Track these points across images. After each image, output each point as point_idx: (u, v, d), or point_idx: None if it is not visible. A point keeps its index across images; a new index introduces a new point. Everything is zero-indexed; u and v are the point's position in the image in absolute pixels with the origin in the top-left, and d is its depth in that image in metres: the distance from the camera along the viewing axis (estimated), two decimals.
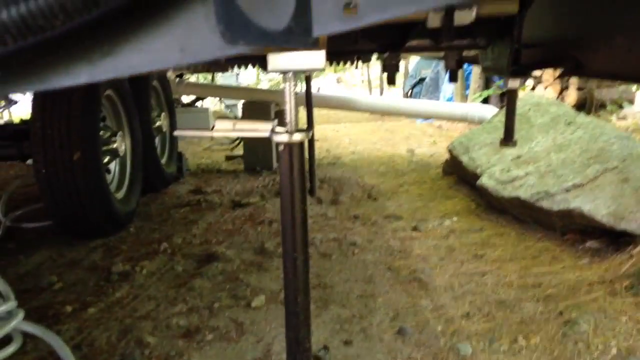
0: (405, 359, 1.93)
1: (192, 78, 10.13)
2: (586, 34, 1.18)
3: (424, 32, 1.72)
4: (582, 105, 7.79)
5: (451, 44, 1.73)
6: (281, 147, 0.83)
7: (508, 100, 1.84)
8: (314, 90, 4.88)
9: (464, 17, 1.43)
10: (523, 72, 1.45)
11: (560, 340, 2.03)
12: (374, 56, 3.21)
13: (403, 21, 1.76)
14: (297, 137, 0.82)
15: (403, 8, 0.50)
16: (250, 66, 4.04)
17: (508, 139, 2.01)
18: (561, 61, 1.30)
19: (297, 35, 0.53)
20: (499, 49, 1.52)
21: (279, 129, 0.84)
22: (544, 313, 2.25)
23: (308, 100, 4.07)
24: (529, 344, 2.02)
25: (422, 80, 11.67)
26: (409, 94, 12.25)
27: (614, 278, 2.51)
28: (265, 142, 5.19)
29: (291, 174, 0.82)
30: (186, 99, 8.51)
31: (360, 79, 18.19)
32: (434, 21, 1.49)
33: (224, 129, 0.91)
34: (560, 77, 1.43)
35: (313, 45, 0.55)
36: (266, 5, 0.55)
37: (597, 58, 1.15)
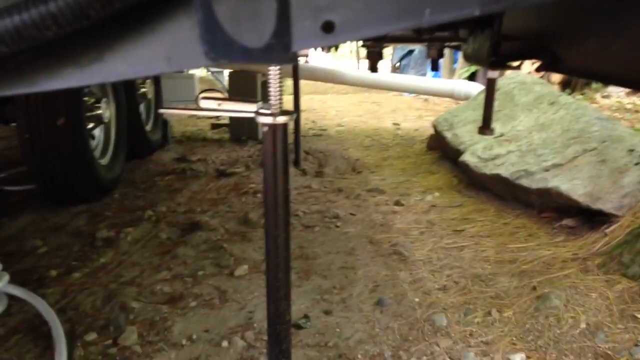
0: (383, 328, 2.00)
1: None
2: (563, 31, 1.21)
3: None
4: (567, 83, 7.85)
5: (433, 36, 1.74)
6: (265, 128, 0.86)
7: (487, 89, 1.87)
8: (301, 61, 4.86)
9: None
10: (502, 64, 1.48)
11: (532, 314, 2.11)
12: None
13: None
14: (282, 119, 0.85)
15: (376, 29, 0.53)
16: None
17: (485, 127, 2.04)
18: (539, 54, 1.32)
19: (277, 52, 0.56)
20: (480, 41, 1.54)
21: (263, 110, 0.87)
22: (518, 288, 2.33)
23: (295, 74, 4.07)
24: (502, 316, 2.10)
25: (410, 52, 11.64)
26: (397, 66, 12.22)
27: (587, 256, 2.60)
28: None
29: (274, 155, 0.84)
30: None
31: (348, 49, 18.04)
32: None
33: (209, 108, 0.93)
34: (538, 70, 1.45)
35: (292, 59, 0.58)
36: (248, 24, 0.57)
37: (572, 55, 1.18)
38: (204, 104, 0.93)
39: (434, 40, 1.85)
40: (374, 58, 1.92)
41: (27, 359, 1.75)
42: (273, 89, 0.86)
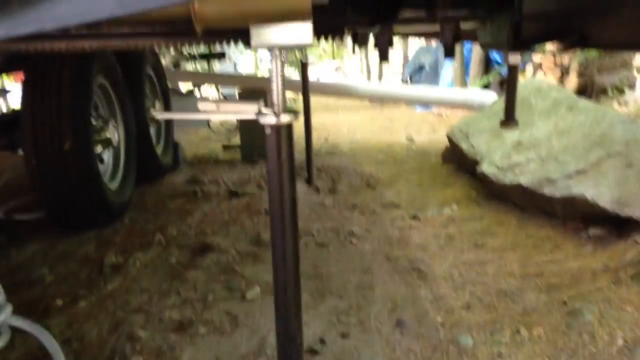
0: (405, 351, 1.87)
1: (189, 67, 10.03)
2: (592, 6, 1.12)
3: (417, 0, 1.61)
4: (582, 91, 7.71)
5: (447, 15, 1.63)
6: (268, 130, 0.76)
7: (509, 77, 1.76)
8: (313, 79, 4.79)
9: None
10: (524, 46, 1.37)
11: (564, 331, 1.98)
12: (371, 41, 3.13)
13: None
14: (285, 118, 0.75)
15: None
16: (247, 51, 3.96)
17: (509, 119, 1.93)
18: (565, 34, 1.23)
19: None
20: (499, 22, 1.44)
21: (265, 110, 0.77)
22: (547, 303, 2.19)
23: (305, 87, 3.99)
24: (531, 335, 1.96)
25: (421, 68, 11.57)
26: (407, 81, 12.15)
27: (618, 266, 2.46)
28: (263, 132, 5.10)
29: (279, 159, 0.75)
30: (183, 88, 8.41)
31: (359, 68, 18.07)
32: None
33: (208, 110, 0.84)
34: (564, 50, 1.35)
35: None
36: None
37: (603, 30, 1.09)
38: (202, 106, 0.84)
39: (449, 20, 1.73)
40: (383, 45, 1.81)
41: None
42: (275, 87, 0.77)
